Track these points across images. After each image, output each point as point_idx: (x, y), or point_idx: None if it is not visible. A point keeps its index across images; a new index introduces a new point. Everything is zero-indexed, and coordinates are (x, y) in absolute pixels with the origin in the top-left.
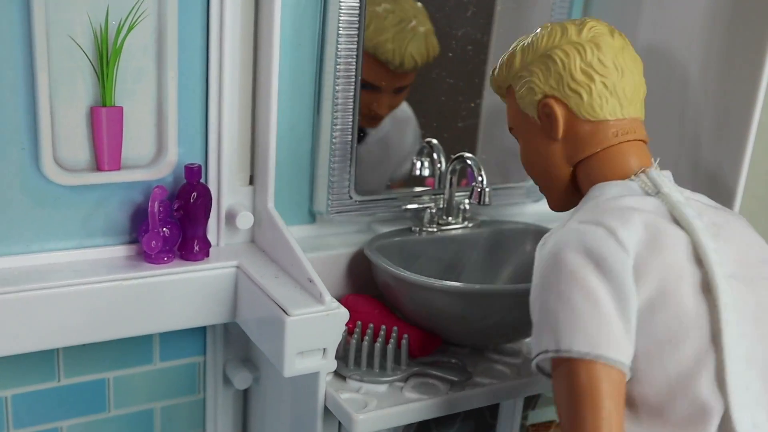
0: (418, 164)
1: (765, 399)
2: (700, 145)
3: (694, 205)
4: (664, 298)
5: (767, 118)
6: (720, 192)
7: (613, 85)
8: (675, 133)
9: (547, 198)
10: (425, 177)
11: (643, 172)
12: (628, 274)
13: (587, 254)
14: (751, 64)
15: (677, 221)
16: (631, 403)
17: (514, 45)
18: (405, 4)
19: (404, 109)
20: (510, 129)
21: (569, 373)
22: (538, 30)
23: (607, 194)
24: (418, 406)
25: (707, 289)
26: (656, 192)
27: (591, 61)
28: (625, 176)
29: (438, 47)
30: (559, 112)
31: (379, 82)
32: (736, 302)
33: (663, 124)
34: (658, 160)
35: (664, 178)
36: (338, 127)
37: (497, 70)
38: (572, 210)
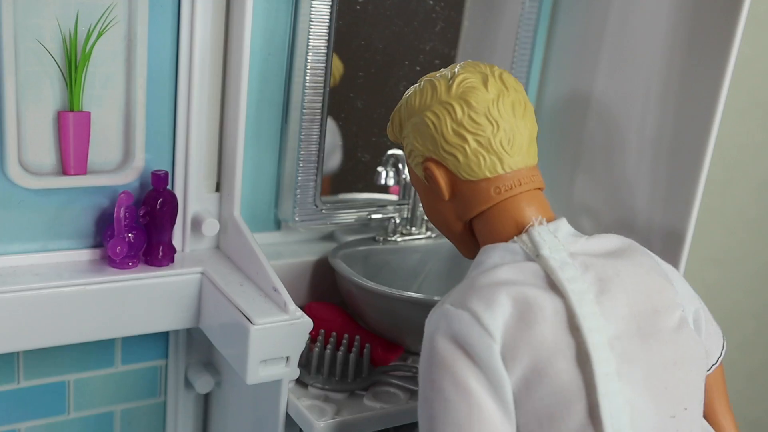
0: (383, 174)
1: None
2: (659, 161)
3: (579, 261)
4: (539, 375)
5: (724, 135)
6: (677, 205)
7: (488, 141)
8: (634, 148)
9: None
10: (389, 186)
11: (527, 231)
12: (496, 359)
13: (455, 341)
14: (710, 83)
15: (555, 286)
16: None
17: (402, 98)
18: None
19: None
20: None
21: None
22: (414, 86)
23: (486, 263)
24: (378, 414)
25: (585, 359)
26: (536, 255)
27: (462, 120)
28: (512, 234)
29: (342, 65)
30: (440, 175)
31: None
32: (622, 367)
33: (623, 140)
34: (540, 219)
35: (547, 235)
36: (305, 136)
37: (389, 126)
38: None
